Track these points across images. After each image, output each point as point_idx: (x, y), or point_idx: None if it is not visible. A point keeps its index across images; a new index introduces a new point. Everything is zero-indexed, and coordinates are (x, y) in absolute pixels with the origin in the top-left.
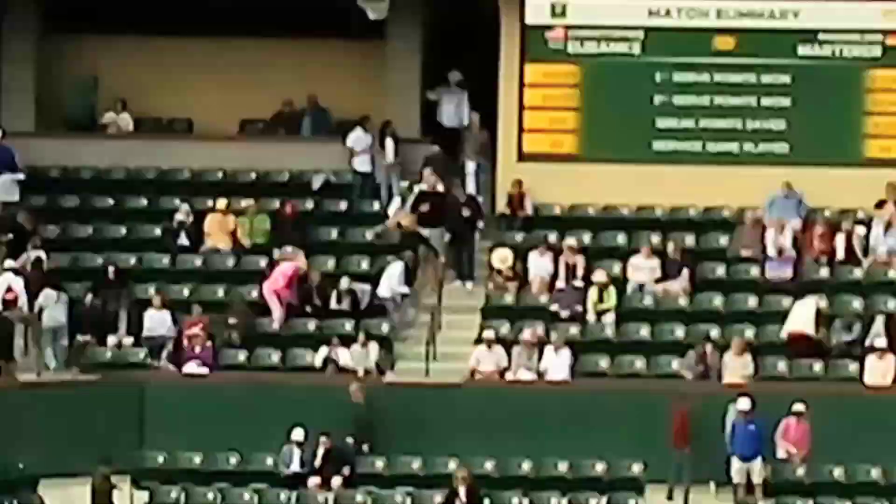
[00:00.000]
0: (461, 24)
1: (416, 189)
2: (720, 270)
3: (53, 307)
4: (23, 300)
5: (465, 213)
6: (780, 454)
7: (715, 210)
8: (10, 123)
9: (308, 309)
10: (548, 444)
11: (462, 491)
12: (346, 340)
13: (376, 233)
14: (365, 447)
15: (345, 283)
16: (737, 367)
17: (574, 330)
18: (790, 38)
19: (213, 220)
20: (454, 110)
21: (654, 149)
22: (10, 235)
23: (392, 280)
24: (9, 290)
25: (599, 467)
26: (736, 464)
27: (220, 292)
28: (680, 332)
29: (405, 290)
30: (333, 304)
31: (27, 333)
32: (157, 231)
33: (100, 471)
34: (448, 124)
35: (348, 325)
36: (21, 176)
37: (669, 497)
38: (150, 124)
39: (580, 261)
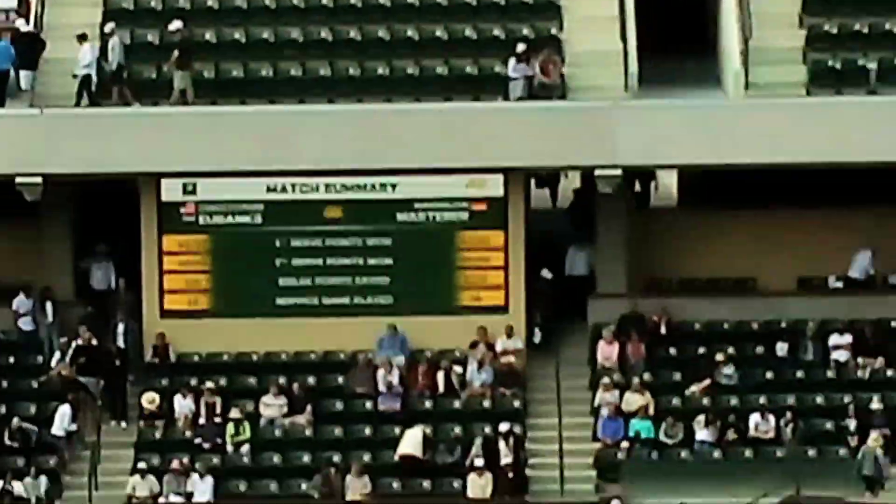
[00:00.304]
0: (107, 202)
1: (74, 344)
2: (339, 405)
3: None
4: None
5: (117, 363)
6: None
7: (332, 354)
8: None
9: None
10: None
11: None
12: (19, 474)
13: (40, 382)
14: None
15: (15, 422)
16: (357, 487)
17: (216, 459)
18: (390, 206)
19: None
20: (102, 276)
21: (277, 303)
22: None
23: (63, 420)
24: None
25: None
26: None
27: None
28: (307, 458)
29: (74, 427)
30: (7, 442)
31: None
32: None
33: None
34: (98, 288)
35: (20, 461)
36: None
37: None
38: None
39: (218, 400)
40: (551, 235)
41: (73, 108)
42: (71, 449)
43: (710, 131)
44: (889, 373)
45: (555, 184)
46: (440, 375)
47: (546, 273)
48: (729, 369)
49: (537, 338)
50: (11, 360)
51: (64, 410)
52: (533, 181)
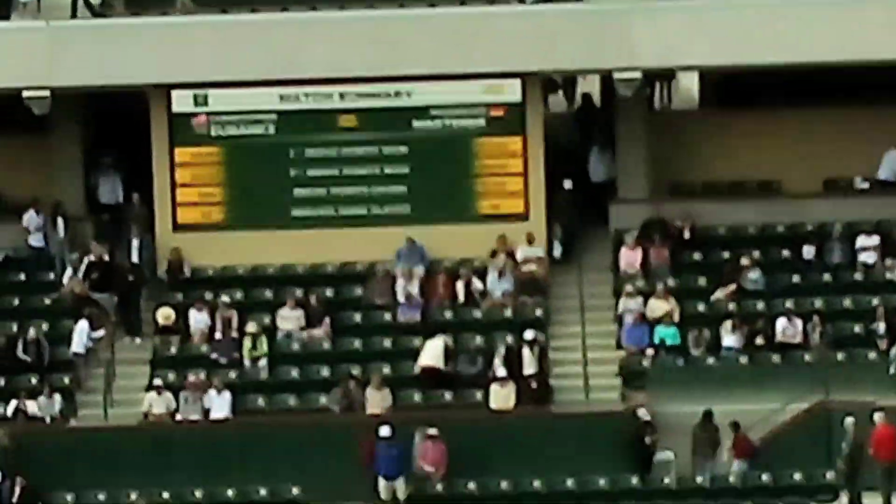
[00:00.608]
0: (118, 114)
1: (86, 260)
2: (357, 317)
3: None
4: None
5: (130, 278)
6: (422, 473)
7: (349, 265)
8: None
9: None
10: (216, 473)
11: None
12: (33, 393)
13: (53, 299)
14: (18, 481)
15: (32, 333)
16: (377, 400)
17: (233, 374)
18: (406, 114)
19: None
20: (110, 190)
21: (292, 215)
22: None
23: (82, 335)
24: None
25: (263, 491)
26: (382, 482)
27: None
28: (325, 371)
29: (91, 343)
30: (21, 356)
31: None
32: None
33: None
34: (104, 202)
35: (34, 380)
36: None
37: None
38: None
39: (234, 314)
40: (569, 140)
41: (80, 19)
42: (90, 365)
43: (731, 31)
44: None
45: (572, 88)
46: (460, 285)
47: (567, 184)
48: (755, 274)
49: (557, 251)
50: (22, 277)
51: (82, 326)
52: None
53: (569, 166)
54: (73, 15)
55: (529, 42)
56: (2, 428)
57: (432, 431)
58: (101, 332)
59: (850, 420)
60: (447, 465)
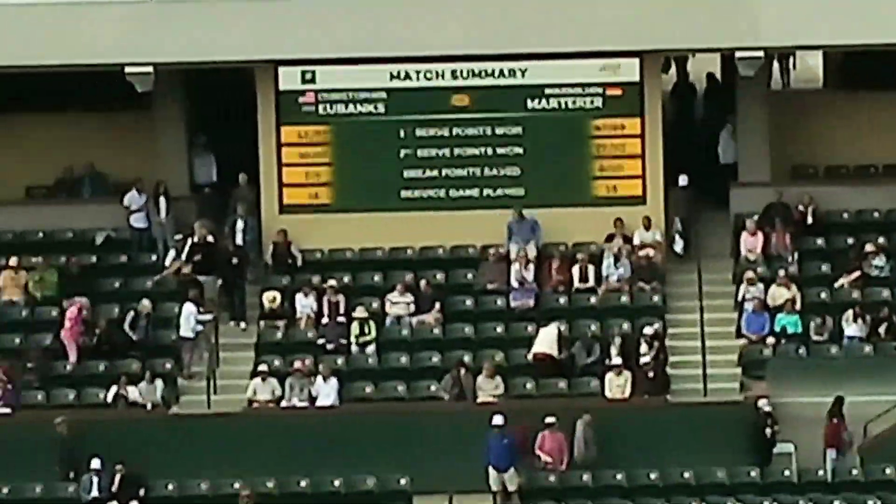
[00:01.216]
0: (223, 92)
1: (189, 241)
2: (469, 302)
3: None
4: None
5: (234, 261)
6: (540, 463)
7: (461, 249)
8: None
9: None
10: (322, 463)
11: None
12: (134, 378)
13: (155, 281)
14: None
15: (146, 304)
16: (489, 388)
17: (340, 360)
18: (520, 93)
19: (6, 276)
20: (205, 170)
21: (402, 197)
22: None
23: (190, 319)
24: None
25: (370, 482)
26: (492, 473)
27: (17, 340)
28: (436, 358)
29: (201, 327)
30: (128, 331)
31: None
32: None
33: None
34: (199, 182)
35: (135, 365)
36: None
37: None
38: None
39: (342, 299)
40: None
41: None
42: (199, 350)
43: (856, 9)
44: None
45: (682, 66)
46: (575, 270)
47: (682, 180)
48: (879, 260)
49: (679, 246)
50: (124, 259)
51: (189, 309)
52: None
53: (672, 147)
54: None
55: (648, 19)
56: (62, 415)
57: (550, 420)
58: (208, 316)
59: None
60: (569, 455)
